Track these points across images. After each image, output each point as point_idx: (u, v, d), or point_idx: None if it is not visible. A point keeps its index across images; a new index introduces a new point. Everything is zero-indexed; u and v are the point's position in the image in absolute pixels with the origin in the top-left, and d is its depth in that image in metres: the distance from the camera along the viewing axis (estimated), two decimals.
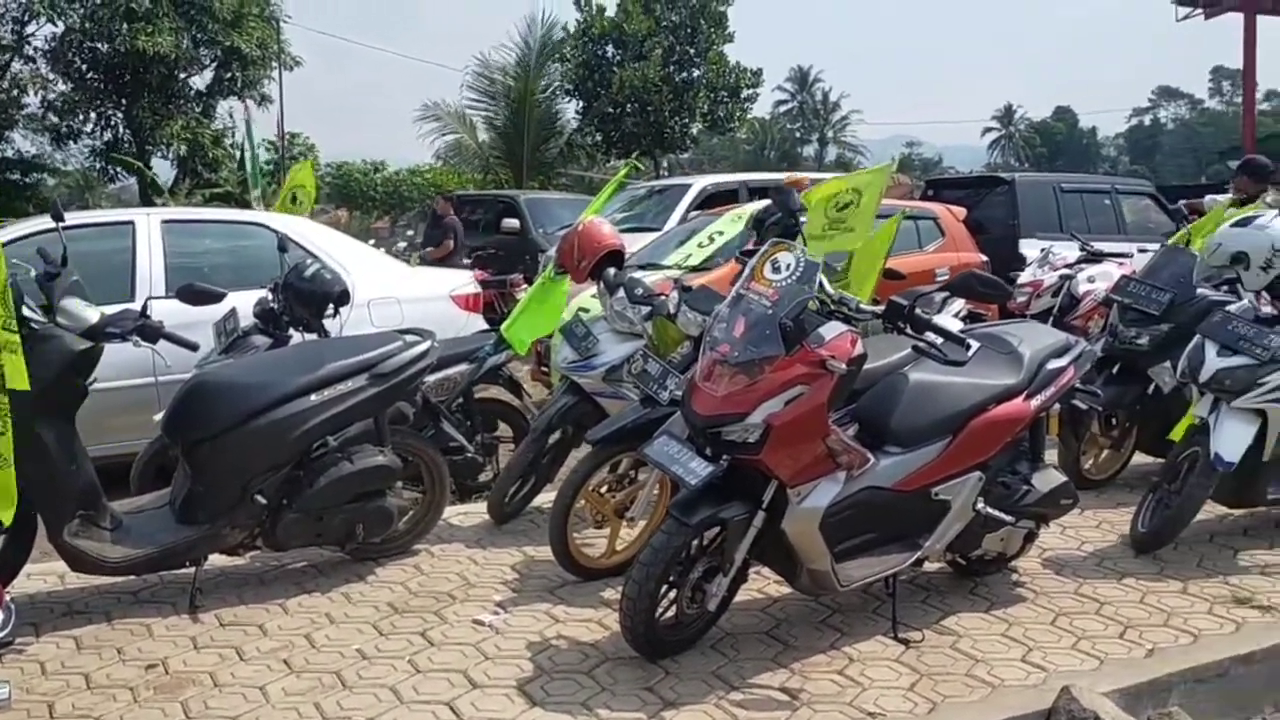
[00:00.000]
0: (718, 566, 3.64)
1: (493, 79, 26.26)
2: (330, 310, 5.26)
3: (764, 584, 4.24)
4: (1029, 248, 9.92)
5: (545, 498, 5.13)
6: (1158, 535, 4.65)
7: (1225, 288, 5.21)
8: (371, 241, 17.01)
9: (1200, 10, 23.72)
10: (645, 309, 4.75)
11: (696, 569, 3.61)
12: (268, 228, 6.55)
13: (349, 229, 31.20)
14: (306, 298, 5.23)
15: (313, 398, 4.20)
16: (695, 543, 3.59)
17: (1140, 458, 5.86)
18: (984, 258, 9.56)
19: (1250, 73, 25.37)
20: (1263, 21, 23.49)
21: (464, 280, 7.20)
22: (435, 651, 3.76)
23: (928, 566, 4.24)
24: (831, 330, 3.51)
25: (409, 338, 4.58)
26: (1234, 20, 23.51)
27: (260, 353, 5.07)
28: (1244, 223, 4.79)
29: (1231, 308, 4.81)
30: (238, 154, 22.80)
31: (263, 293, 5.49)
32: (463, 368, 5.52)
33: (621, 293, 4.85)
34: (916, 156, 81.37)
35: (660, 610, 3.59)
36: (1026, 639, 3.81)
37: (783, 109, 74.71)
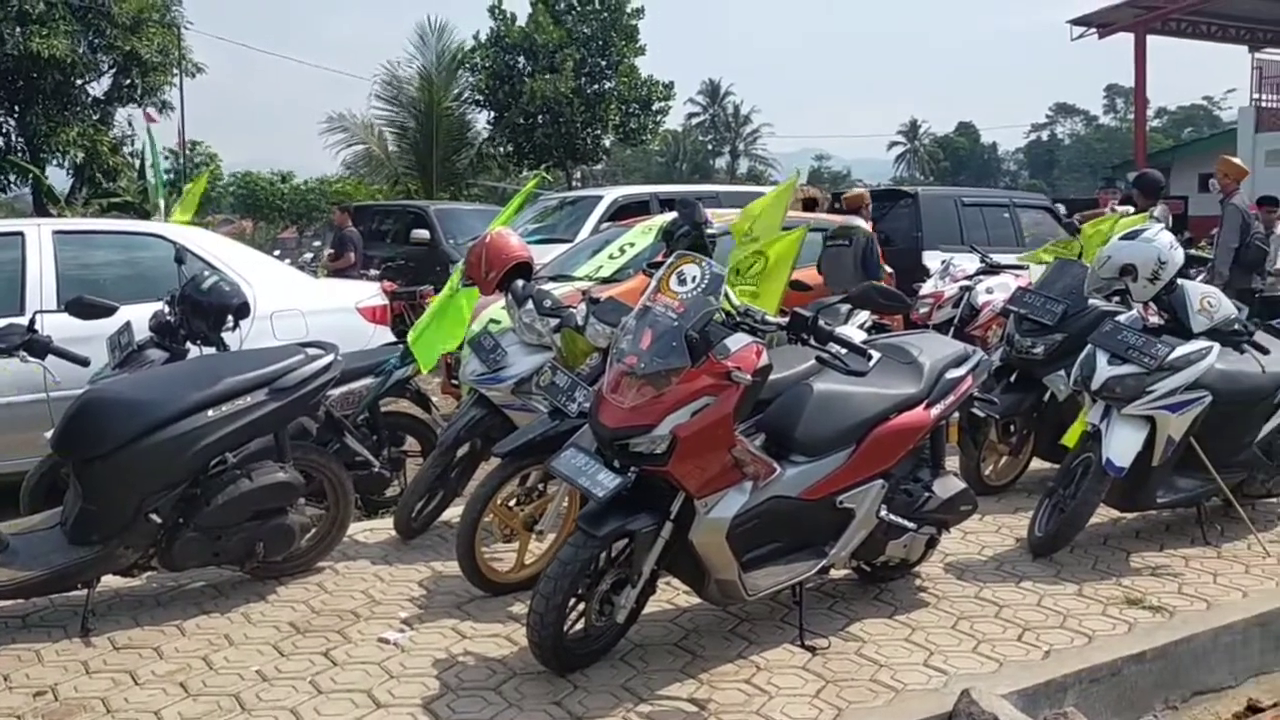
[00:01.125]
0: (626, 578, 3.63)
1: (401, 88, 25.98)
2: (229, 323, 5.12)
3: (673, 594, 4.25)
4: (932, 259, 10.15)
5: (454, 512, 5.07)
6: (1054, 539, 4.78)
7: (1116, 299, 5.40)
8: (277, 253, 16.69)
9: (1094, 30, 24.57)
10: (554, 321, 4.73)
11: (605, 581, 3.61)
12: (164, 239, 6.36)
13: (254, 240, 30.54)
14: (204, 310, 5.08)
15: (210, 413, 4.10)
16: (603, 555, 3.58)
17: (1038, 463, 6.03)
18: (889, 269, 9.76)
19: (1141, 90, 26.36)
20: (1153, 41, 24.45)
21: (370, 292, 7.09)
22: (338, 671, 3.68)
23: (834, 574, 4.31)
24: (737, 342, 3.54)
25: (311, 351, 4.49)
26: (1125, 40, 24.42)
27: (156, 367, 4.93)
28: (1132, 236, 4.97)
29: (1121, 318, 4.98)
30: (137, 163, 22.16)
31: (159, 305, 5.33)
32: (368, 381, 5.43)
33: (530, 305, 4.83)
34: (825, 169, 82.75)
35: (568, 624, 3.58)
36: (929, 643, 3.89)
37: (695, 121, 75.34)
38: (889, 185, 21.96)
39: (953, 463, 5.33)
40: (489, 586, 4.35)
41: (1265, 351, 4.95)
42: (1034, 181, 71.09)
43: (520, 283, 4.90)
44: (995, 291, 7.37)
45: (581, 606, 3.61)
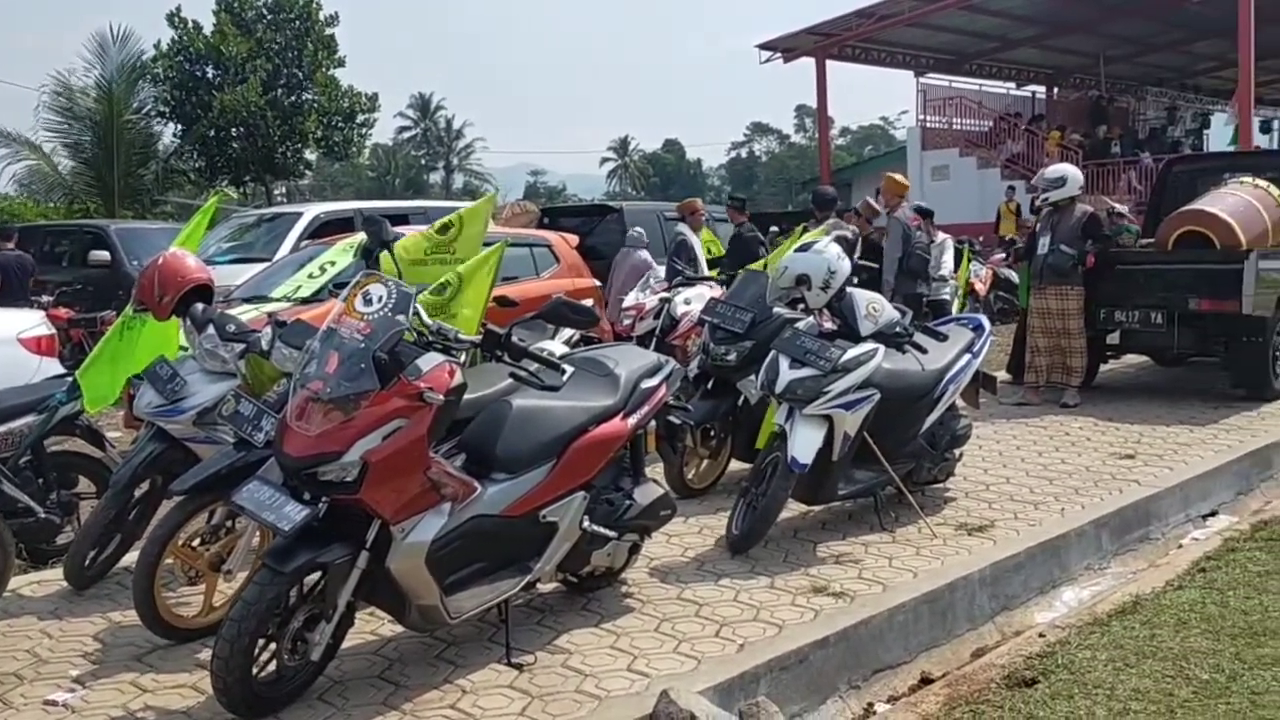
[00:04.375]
0: (321, 613, 3.49)
1: (75, 100, 23.90)
2: None
3: (376, 624, 4.13)
4: None
5: (133, 557, 4.67)
6: (748, 536, 5.03)
7: (802, 306, 5.75)
8: None
9: (779, 55, 26.21)
10: (238, 346, 4.49)
11: (297, 618, 3.45)
12: None
13: None
14: None
15: None
16: (294, 591, 3.42)
17: (738, 464, 6.31)
18: (598, 283, 9.97)
19: (823, 111, 28.37)
20: (834, 65, 26.38)
21: (34, 321, 6.46)
22: None
23: (541, 587, 4.32)
24: (429, 361, 3.49)
25: None
26: (809, 63, 26.19)
27: None
28: (805, 248, 5.31)
29: (799, 325, 5.32)
30: None
31: None
32: (30, 419, 4.93)
33: (211, 330, 4.56)
34: (541, 184, 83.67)
35: (259, 666, 3.40)
36: (633, 648, 3.97)
37: (406, 135, 74.09)
38: (601, 200, 22.52)
39: (658, 470, 5.52)
40: (174, 634, 4.05)
41: (924, 351, 5.44)
42: (737, 195, 74.83)
43: (199, 306, 4.61)
44: (693, 302, 7.68)
45: (273, 647, 3.43)
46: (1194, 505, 6.19)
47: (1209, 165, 11.35)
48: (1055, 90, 29.69)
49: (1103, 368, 9.73)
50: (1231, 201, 8.87)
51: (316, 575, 3.46)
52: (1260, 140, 25.21)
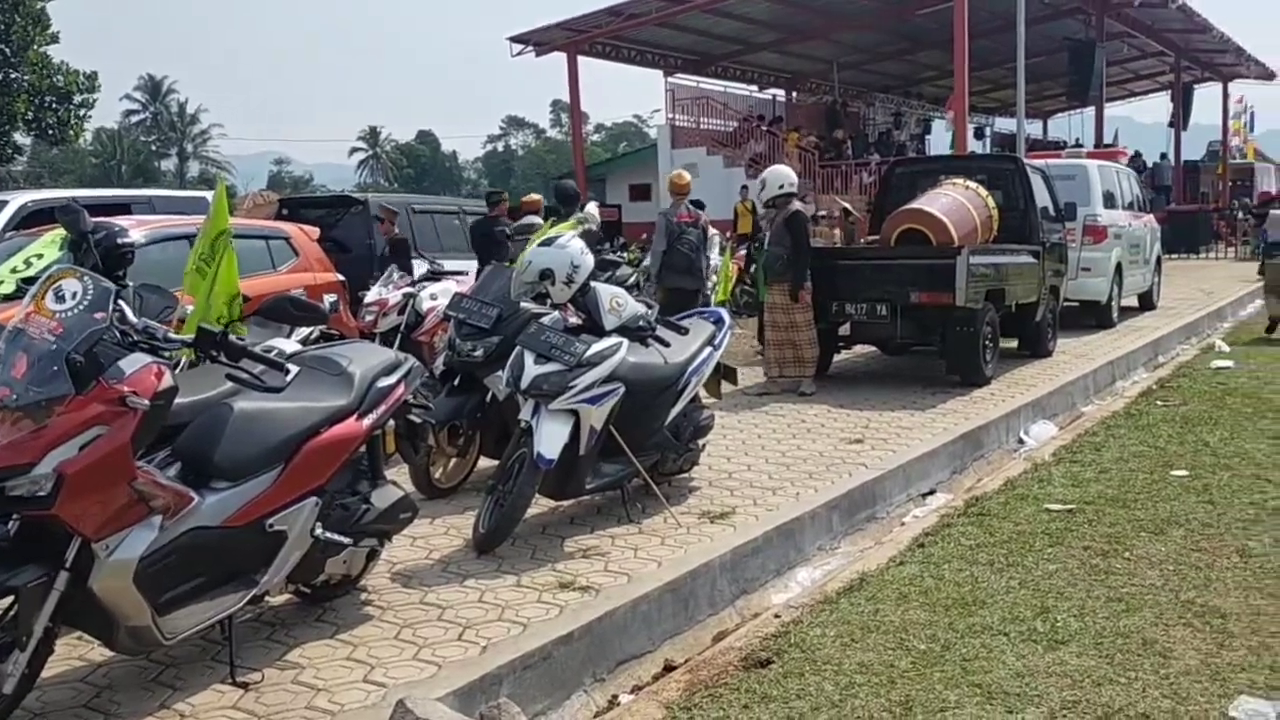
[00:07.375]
0: (14, 641, 3.15)
1: None
2: None
3: (85, 649, 3.79)
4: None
5: None
6: (494, 534, 4.96)
7: (550, 301, 5.73)
8: None
9: (531, 48, 26.20)
10: None
11: None
12: None
13: None
14: None
15: None
16: None
17: (489, 462, 6.21)
18: (340, 277, 9.59)
19: (576, 107, 28.59)
20: (589, 62, 26.63)
21: None
22: None
23: (271, 600, 4.09)
24: (133, 363, 3.21)
25: None
26: (563, 59, 26.30)
27: None
28: (549, 243, 5.29)
29: (545, 319, 5.29)
30: None
31: None
32: None
33: None
34: (287, 174, 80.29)
35: None
36: (370, 658, 3.82)
37: (135, 120, 69.17)
38: (350, 192, 21.77)
39: (403, 472, 5.36)
40: None
41: (667, 345, 5.55)
42: (494, 189, 74.59)
43: None
44: (439, 297, 7.52)
45: None
46: (914, 485, 6.63)
47: (927, 167, 12.22)
48: (794, 94, 31.23)
49: (836, 357, 10.28)
50: (945, 201, 9.58)
51: (9, 600, 3.12)
52: (974, 145, 27.49)
